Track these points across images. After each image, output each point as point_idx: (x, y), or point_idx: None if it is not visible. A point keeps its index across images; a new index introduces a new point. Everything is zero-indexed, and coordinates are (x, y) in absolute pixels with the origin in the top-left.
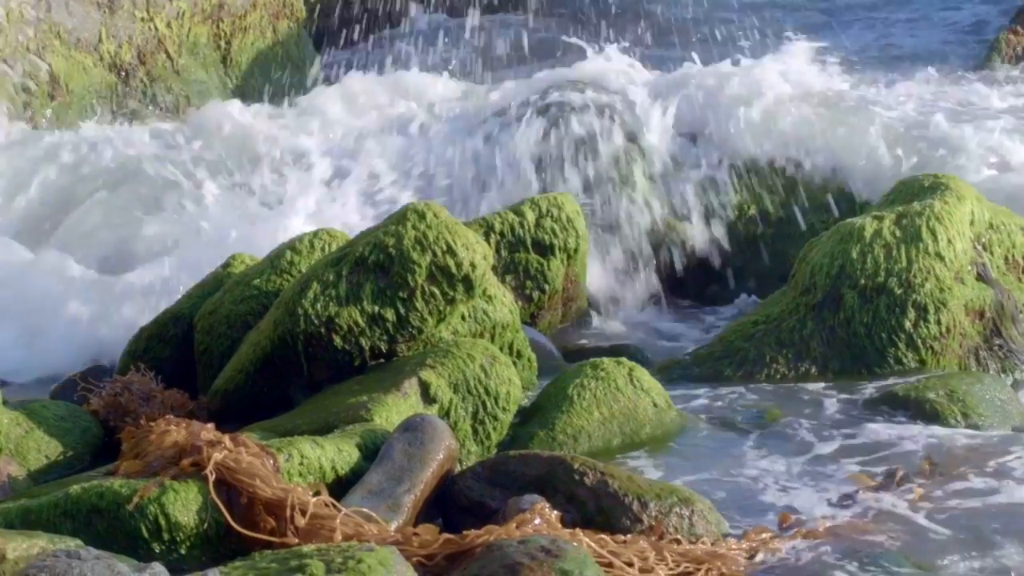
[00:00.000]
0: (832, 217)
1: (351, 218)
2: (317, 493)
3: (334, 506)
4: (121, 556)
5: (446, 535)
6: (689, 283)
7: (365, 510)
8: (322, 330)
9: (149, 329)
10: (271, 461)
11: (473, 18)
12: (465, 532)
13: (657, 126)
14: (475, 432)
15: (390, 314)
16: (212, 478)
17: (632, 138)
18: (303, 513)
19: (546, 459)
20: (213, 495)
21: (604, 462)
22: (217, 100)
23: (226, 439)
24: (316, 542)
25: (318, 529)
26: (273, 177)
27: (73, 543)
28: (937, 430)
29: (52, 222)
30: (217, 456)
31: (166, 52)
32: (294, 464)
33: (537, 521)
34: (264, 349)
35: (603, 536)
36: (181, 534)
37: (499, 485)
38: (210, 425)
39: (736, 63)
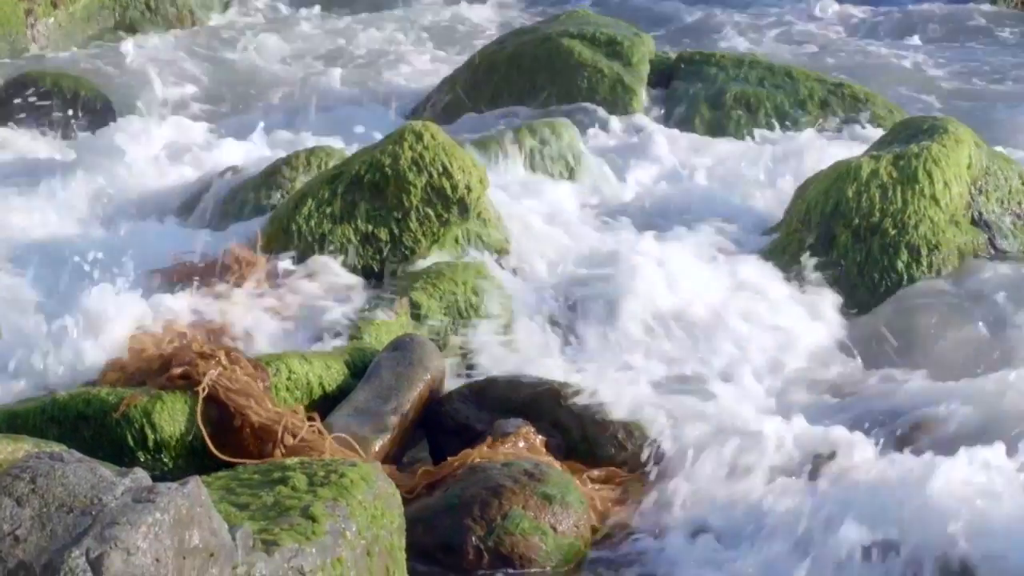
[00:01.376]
0: None
1: None
2: (311, 419)
3: (321, 432)
4: (105, 462)
5: (424, 468)
6: None
7: (349, 439)
8: (315, 247)
9: None
10: (263, 383)
11: None
12: (442, 463)
13: None
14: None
15: (384, 233)
16: (203, 394)
17: None
18: (293, 437)
19: (533, 384)
20: (200, 422)
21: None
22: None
23: (221, 354)
24: None
25: (307, 453)
26: None
27: (58, 448)
28: None
29: None
30: (212, 373)
31: None
32: (282, 379)
33: (521, 444)
34: None
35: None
36: (167, 445)
37: (486, 408)
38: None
39: None
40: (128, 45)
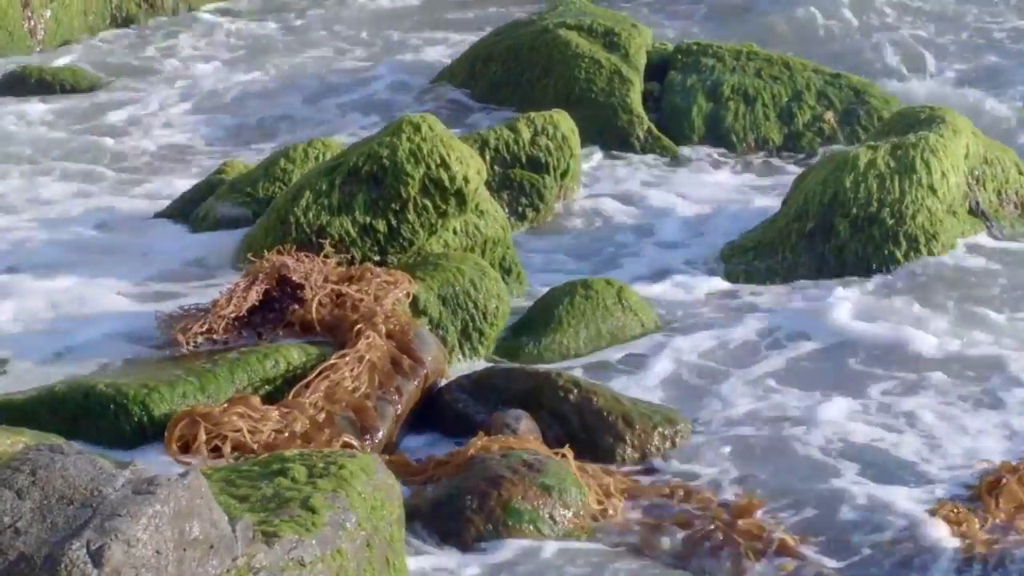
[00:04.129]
0: None
1: None
2: None
3: None
4: (104, 453)
5: (436, 459)
6: None
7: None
8: (313, 238)
9: None
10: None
11: None
12: (452, 452)
13: None
14: (462, 345)
15: (382, 225)
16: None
17: None
18: None
19: (531, 375)
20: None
21: (590, 380)
22: None
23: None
24: None
25: None
26: None
27: (58, 440)
28: None
29: None
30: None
31: None
32: (279, 370)
33: None
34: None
35: None
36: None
37: (484, 399)
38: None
39: None
40: (125, 36)
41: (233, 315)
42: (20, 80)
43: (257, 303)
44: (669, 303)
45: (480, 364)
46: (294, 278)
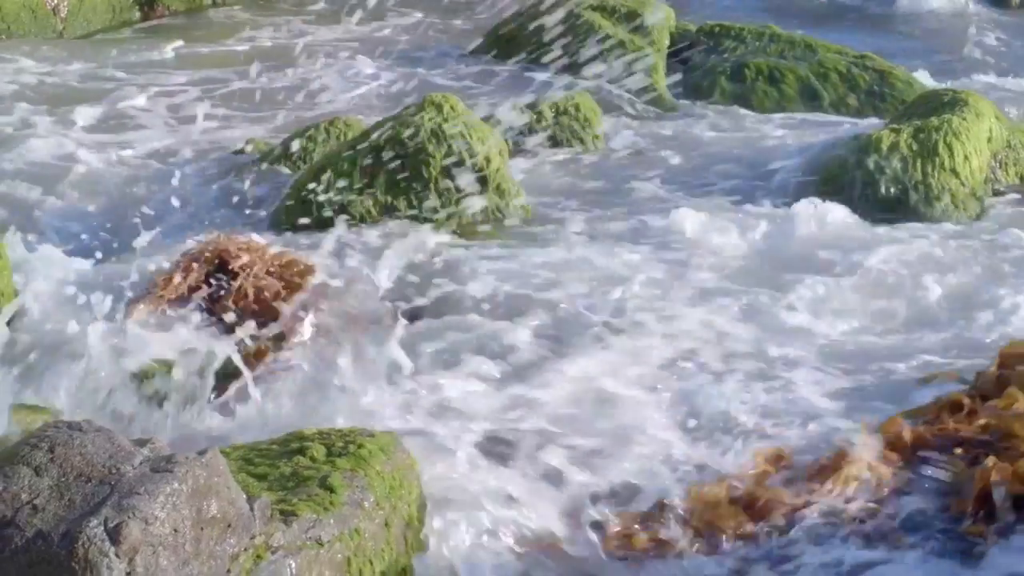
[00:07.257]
0: None
1: None
2: None
3: None
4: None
5: None
6: None
7: None
8: (334, 218)
9: None
10: None
11: None
12: None
13: None
14: None
15: (403, 204)
16: None
17: None
18: None
19: None
20: None
21: None
22: None
23: None
24: None
25: None
26: None
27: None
28: None
29: None
30: None
31: None
32: None
33: None
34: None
35: None
36: None
37: None
38: None
39: None
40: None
41: (173, 296)
42: None
43: (200, 284)
44: None
45: None
46: (232, 266)
